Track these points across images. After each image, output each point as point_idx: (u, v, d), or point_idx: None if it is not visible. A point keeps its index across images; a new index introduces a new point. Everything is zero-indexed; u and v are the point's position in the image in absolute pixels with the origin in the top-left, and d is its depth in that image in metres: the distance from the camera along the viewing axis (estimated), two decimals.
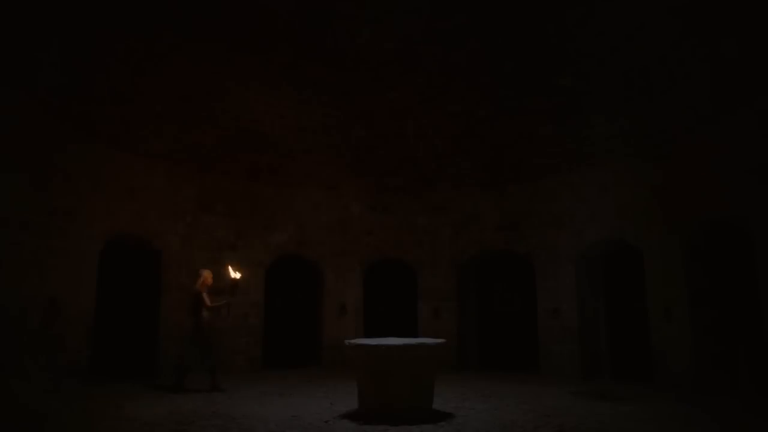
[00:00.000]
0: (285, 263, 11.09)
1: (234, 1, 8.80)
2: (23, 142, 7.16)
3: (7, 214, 6.90)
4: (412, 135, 10.97)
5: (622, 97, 8.88)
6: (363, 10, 9.33)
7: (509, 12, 9.08)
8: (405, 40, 9.79)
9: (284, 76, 10.01)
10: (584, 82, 9.24)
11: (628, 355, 9.54)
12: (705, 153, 7.83)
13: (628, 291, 9.56)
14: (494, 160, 10.83)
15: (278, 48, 9.61)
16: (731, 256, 8.03)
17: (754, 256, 7.15)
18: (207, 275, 7.99)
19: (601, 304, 10.10)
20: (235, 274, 7.75)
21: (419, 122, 10.83)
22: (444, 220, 11.34)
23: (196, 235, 9.79)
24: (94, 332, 8.14)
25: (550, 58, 9.36)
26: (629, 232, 9.04)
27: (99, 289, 8.28)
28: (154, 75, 8.75)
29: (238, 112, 10.00)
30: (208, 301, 7.83)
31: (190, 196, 9.75)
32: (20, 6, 6.63)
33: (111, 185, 8.53)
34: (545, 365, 10.00)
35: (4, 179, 6.88)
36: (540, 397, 7.40)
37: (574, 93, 9.44)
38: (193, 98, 9.38)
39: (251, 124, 10.21)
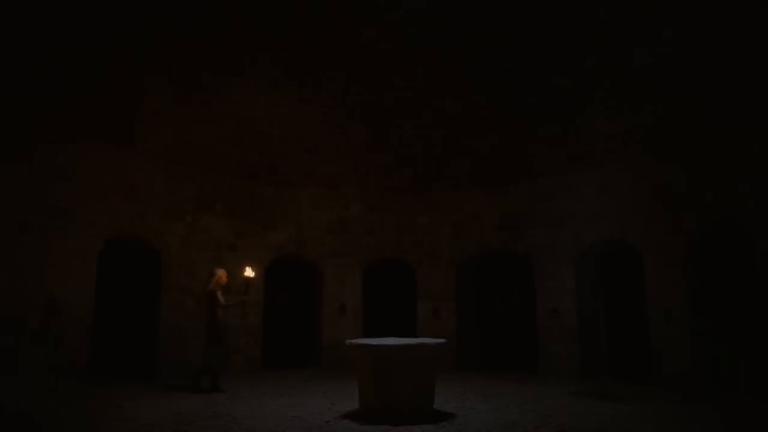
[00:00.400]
0: (285, 263, 11.08)
1: (233, 0, 8.80)
2: (23, 141, 7.14)
3: (6, 213, 6.89)
4: (412, 135, 10.97)
5: (622, 97, 8.89)
6: (363, 10, 9.33)
7: (509, 12, 9.09)
8: (405, 40, 9.79)
9: (284, 75, 10.01)
10: (584, 82, 9.25)
11: (628, 355, 9.54)
12: (705, 152, 7.84)
13: (628, 291, 9.55)
14: (494, 160, 10.83)
15: (278, 47, 9.61)
16: (731, 256, 8.04)
17: (753, 257, 7.16)
18: (221, 274, 8.00)
19: (600, 304, 10.10)
20: (250, 273, 7.78)
21: (419, 122, 10.83)
22: (444, 220, 11.34)
23: (196, 234, 9.78)
24: (93, 332, 8.13)
25: (550, 58, 9.36)
26: (629, 232, 9.04)
27: (99, 289, 8.26)
28: (154, 74, 8.74)
29: (238, 112, 9.99)
30: (222, 300, 7.84)
31: (189, 196, 9.74)
32: (21, 3, 6.62)
33: (111, 185, 8.51)
34: (545, 365, 10.00)
35: (3, 178, 6.86)
36: (540, 397, 7.40)
37: (574, 93, 9.44)
38: (193, 98, 9.37)
39: (251, 123, 10.20)
